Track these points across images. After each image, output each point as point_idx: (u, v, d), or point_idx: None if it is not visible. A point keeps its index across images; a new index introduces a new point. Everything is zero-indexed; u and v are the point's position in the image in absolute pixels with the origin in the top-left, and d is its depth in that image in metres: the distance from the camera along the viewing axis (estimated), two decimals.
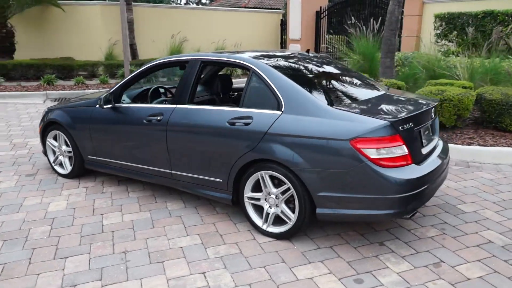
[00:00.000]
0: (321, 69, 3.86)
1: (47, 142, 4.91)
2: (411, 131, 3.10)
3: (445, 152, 3.66)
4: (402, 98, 3.79)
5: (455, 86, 6.08)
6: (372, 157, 2.93)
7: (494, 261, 3.07)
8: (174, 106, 3.84)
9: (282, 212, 3.33)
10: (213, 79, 3.89)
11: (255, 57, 3.66)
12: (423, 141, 3.34)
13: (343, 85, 3.73)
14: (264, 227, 3.42)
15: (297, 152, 3.13)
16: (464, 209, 3.93)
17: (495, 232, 3.49)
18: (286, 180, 3.21)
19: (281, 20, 18.13)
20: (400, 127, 2.99)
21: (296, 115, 3.19)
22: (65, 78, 12.56)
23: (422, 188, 3.06)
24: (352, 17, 11.78)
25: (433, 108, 3.52)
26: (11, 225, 3.69)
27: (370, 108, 3.28)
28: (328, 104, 3.17)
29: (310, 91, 3.27)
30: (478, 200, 4.13)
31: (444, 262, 3.06)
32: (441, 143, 3.82)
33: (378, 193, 2.95)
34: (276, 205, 3.35)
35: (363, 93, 3.68)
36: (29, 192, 4.42)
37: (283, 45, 17.76)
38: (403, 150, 3.01)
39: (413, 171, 3.04)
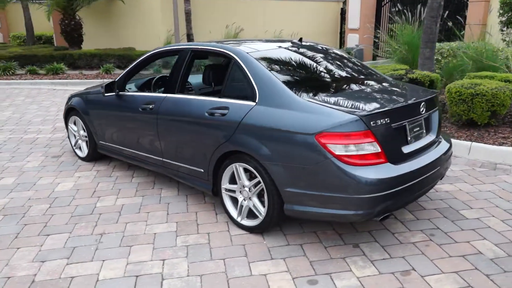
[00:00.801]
0: (309, 59, 3.68)
1: (69, 126, 5.26)
2: (388, 127, 2.87)
3: (444, 152, 3.34)
4: (394, 90, 3.51)
5: (496, 80, 5.50)
6: (337, 153, 2.76)
7: (474, 274, 2.77)
8: (165, 95, 3.91)
9: (254, 205, 3.28)
10: (206, 69, 3.89)
11: (239, 46, 3.60)
12: (409, 138, 3.08)
13: (328, 76, 3.55)
14: (239, 219, 3.39)
15: (266, 145, 3.05)
16: (466, 215, 3.57)
17: (490, 242, 3.14)
18: (257, 173, 3.14)
19: (341, 9, 17.56)
20: (372, 122, 2.78)
21: (268, 107, 3.10)
22: (124, 67, 13.29)
23: (395, 190, 2.84)
24: (398, 5, 11.05)
25: (425, 103, 3.20)
26: (17, 201, 4.02)
27: (346, 100, 3.09)
28: (300, 96, 3.03)
29: (286, 82, 3.16)
30: (488, 206, 3.73)
31: (415, 270, 2.82)
32: (443, 141, 3.49)
33: (343, 192, 2.79)
34: (250, 198, 3.29)
35: (350, 84, 3.47)
36: (47, 172, 4.77)
37: (342, 35, 17.22)
38: (374, 147, 2.80)
39: (386, 171, 2.82)
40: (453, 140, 5.01)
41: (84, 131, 5.01)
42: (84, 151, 5.11)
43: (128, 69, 4.44)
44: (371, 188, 2.76)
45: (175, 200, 3.99)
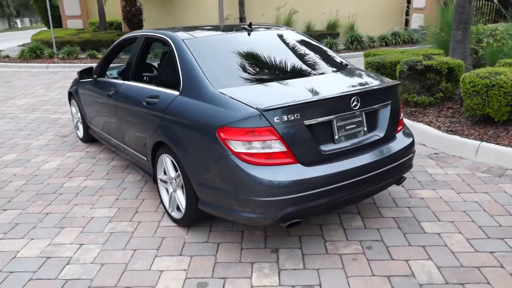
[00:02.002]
0: (251, 47, 3.39)
1: (71, 109, 5.55)
2: (298, 124, 2.56)
3: (393, 152, 2.92)
4: (333, 82, 3.12)
5: None
6: (236, 150, 2.54)
7: None
8: (122, 82, 3.92)
9: (178, 198, 3.17)
10: (161, 56, 3.82)
11: (178, 32, 3.45)
12: (336, 136, 2.73)
13: (264, 65, 3.25)
14: (169, 210, 3.31)
15: (181, 137, 2.92)
16: (426, 229, 3.10)
17: (434, 264, 2.68)
18: (177, 166, 3.03)
19: None
20: (275, 118, 2.50)
21: (187, 97, 2.96)
22: None
23: (302, 194, 2.54)
24: None
25: (359, 97, 2.76)
26: (3, 176, 4.35)
27: (264, 93, 2.82)
28: (216, 87, 2.83)
29: (209, 72, 2.96)
30: (461, 220, 3.19)
31: (320, 287, 2.52)
32: (397, 140, 3.05)
33: (242, 193, 2.57)
34: (175, 190, 3.20)
35: (285, 74, 3.17)
36: (45, 151, 5.10)
37: (408, 15, 15.87)
38: (278, 145, 2.52)
39: (291, 172, 2.54)
40: (459, 139, 4.39)
41: (78, 113, 5.25)
42: (81, 133, 5.36)
43: (104, 55, 4.52)
44: (271, 191, 2.50)
45: (133, 185, 4.02)
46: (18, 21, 55.01)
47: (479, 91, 4.37)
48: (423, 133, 4.83)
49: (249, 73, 3.10)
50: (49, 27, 24.81)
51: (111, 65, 4.58)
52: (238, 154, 2.53)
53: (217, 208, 2.77)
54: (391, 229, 3.11)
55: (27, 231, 3.24)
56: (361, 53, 9.33)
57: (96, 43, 14.15)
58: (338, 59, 3.57)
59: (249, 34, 3.54)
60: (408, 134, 3.21)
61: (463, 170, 4.09)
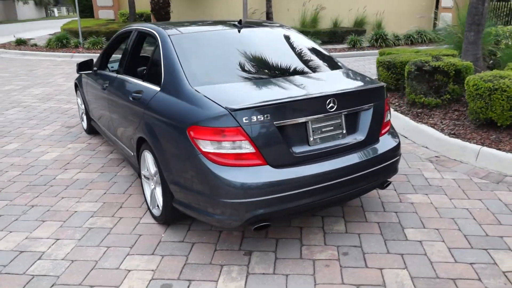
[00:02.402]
0: (238, 44, 3.32)
1: (77, 100, 5.61)
2: (268, 125, 2.47)
3: (373, 156, 2.80)
4: (315, 82, 2.99)
5: None
6: (204, 150, 2.48)
7: None
8: (116, 75, 3.91)
9: (156, 195, 3.15)
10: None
11: (167, 28, 3.39)
12: (311, 138, 2.63)
13: (246, 63, 3.14)
14: (151, 207, 3.29)
15: (158, 134, 2.88)
16: (409, 236, 2.97)
17: (408, 274, 2.56)
18: (155, 162, 3.00)
19: None
20: (244, 118, 2.43)
21: (165, 94, 2.91)
22: None
23: (271, 197, 2.46)
24: None
25: (335, 98, 2.65)
26: (1, 166, 4.44)
27: (238, 92, 2.74)
28: (192, 85, 2.77)
29: (189, 69, 2.90)
30: (447, 228, 3.05)
31: None
32: (380, 144, 2.92)
33: (209, 194, 2.51)
34: (155, 187, 3.17)
35: (267, 73, 3.07)
36: (48, 142, 5.18)
37: (436, 14, 15.34)
38: (246, 146, 2.45)
39: (258, 174, 2.46)
40: (460, 143, 4.20)
41: (83, 104, 5.30)
42: (85, 124, 5.42)
43: (104, 48, 4.53)
44: (238, 193, 2.43)
45: (124, 180, 4.02)
46: (55, 10, 56.32)
47: (482, 94, 4.15)
48: (426, 135, 4.64)
49: (230, 71, 3.02)
50: (81, 17, 25.30)
51: (118, 58, 4.60)
52: (206, 154, 2.48)
53: (189, 207, 2.73)
54: (373, 235, 2.99)
55: (8, 224, 3.28)
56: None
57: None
58: (328, 59, 3.44)
59: (239, 31, 3.46)
60: (394, 137, 3.08)
61: (460, 175, 3.90)
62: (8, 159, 4.63)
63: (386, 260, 2.70)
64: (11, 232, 3.17)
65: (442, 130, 4.59)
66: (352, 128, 2.82)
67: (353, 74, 3.25)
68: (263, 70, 3.11)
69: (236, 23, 3.57)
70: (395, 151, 2.98)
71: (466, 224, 3.09)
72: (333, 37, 13.84)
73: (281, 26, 3.85)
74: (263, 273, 2.62)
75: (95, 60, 4.70)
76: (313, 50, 3.51)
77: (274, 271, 2.63)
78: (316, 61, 3.35)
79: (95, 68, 4.51)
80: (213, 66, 3.04)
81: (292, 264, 2.70)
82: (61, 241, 3.03)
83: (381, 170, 2.90)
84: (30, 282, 2.59)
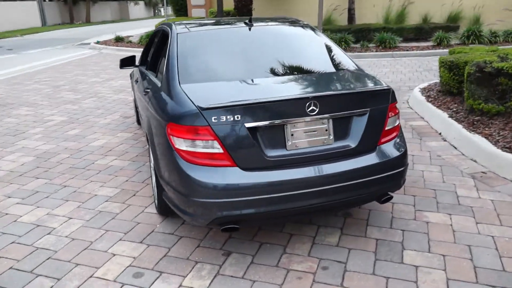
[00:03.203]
0: (244, 43, 3.29)
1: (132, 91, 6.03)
2: (239, 126, 2.42)
3: (363, 167, 2.59)
4: (308, 82, 2.84)
5: None
6: (177, 147, 2.52)
7: None
8: (144, 70, 4.12)
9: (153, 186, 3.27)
10: None
11: (180, 25, 3.47)
12: (288, 142, 2.51)
13: (246, 62, 3.10)
14: (155, 198, 3.42)
15: (152, 128, 3.00)
16: (406, 259, 2.68)
17: None
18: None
19: None
20: (213, 118, 2.40)
21: (162, 90, 3.00)
22: None
23: (239, 199, 2.41)
24: None
25: (317, 101, 2.49)
26: (57, 149, 4.96)
27: (219, 90, 2.72)
28: (181, 83, 2.80)
29: (182, 67, 2.95)
30: (457, 256, 2.69)
31: None
32: (376, 153, 2.68)
33: (180, 191, 2.55)
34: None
35: (262, 72, 2.97)
36: (104, 130, 5.65)
37: None
38: (215, 146, 2.43)
39: (226, 176, 2.42)
40: None
41: (133, 96, 5.68)
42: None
43: (145, 45, 4.80)
44: (205, 192, 2.43)
45: (148, 170, 4.23)
46: (162, 9, 60.82)
47: None
48: (476, 147, 4.13)
49: (224, 69, 3.01)
50: (177, 15, 27.03)
51: None
52: (179, 152, 2.51)
53: (171, 202, 2.78)
54: (364, 252, 2.76)
55: (39, 200, 3.66)
56: None
57: None
58: (337, 59, 3.23)
59: (249, 29, 3.42)
60: (398, 147, 2.79)
61: (503, 196, 3.40)
62: (65, 143, 5.15)
63: (366, 282, 2.48)
64: (38, 207, 3.53)
65: (496, 143, 4.04)
66: (341, 134, 2.63)
67: (357, 76, 3.02)
68: (258, 69, 3.03)
69: (247, 21, 3.53)
70: (396, 163, 2.71)
71: (482, 254, 2.69)
72: (419, 33, 12.88)
73: (297, 23, 3.71)
74: (232, 276, 2.58)
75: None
76: (323, 49, 3.34)
77: (243, 276, 2.57)
78: (320, 60, 3.18)
79: (137, 64, 4.79)
80: (209, 64, 3.05)
81: (264, 271, 2.61)
82: (72, 220, 3.30)
83: (376, 182, 2.66)
84: (32, 254, 2.87)
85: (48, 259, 2.80)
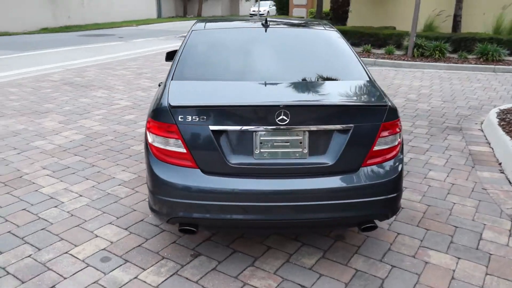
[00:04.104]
0: (252, 43, 3.20)
1: None
2: (203, 127, 2.35)
3: (339, 188, 2.37)
4: (298, 89, 2.66)
5: None
6: (150, 142, 2.54)
7: None
8: None
9: None
10: None
11: (204, 21, 3.48)
12: (256, 150, 2.37)
13: (244, 62, 3.03)
14: None
15: None
16: None
17: None
18: None
19: None
20: (180, 117, 2.37)
21: (161, 85, 3.04)
22: (378, 46, 13.04)
23: (195, 202, 2.37)
24: None
25: (285, 111, 2.30)
26: (106, 131, 5.33)
27: (202, 89, 2.67)
28: (177, 79, 2.81)
29: (181, 63, 2.96)
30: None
31: None
32: (353, 176, 2.41)
33: (148, 186, 2.58)
34: None
35: (257, 74, 2.87)
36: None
37: None
38: (178, 146, 2.40)
39: (185, 177, 2.39)
40: None
41: None
42: None
43: None
44: (162, 189, 2.43)
45: None
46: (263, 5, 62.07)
47: None
48: None
49: (219, 68, 2.96)
50: (279, 14, 27.31)
51: None
52: (151, 147, 2.52)
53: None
54: (335, 282, 2.51)
55: (66, 175, 3.97)
56: None
57: None
58: (348, 68, 2.97)
59: (265, 31, 3.30)
60: (389, 172, 2.46)
61: None
62: (116, 126, 5.51)
63: None
64: (61, 181, 3.84)
65: None
66: (318, 149, 2.40)
67: (357, 88, 2.73)
68: (254, 72, 2.91)
69: (264, 21, 3.40)
70: (383, 189, 2.41)
71: None
72: None
73: (321, 26, 3.49)
74: (187, 278, 2.53)
75: None
76: (333, 56, 3.10)
77: (198, 280, 2.51)
78: (324, 68, 2.96)
79: None
80: (208, 62, 3.01)
81: (221, 280, 2.52)
82: (81, 198, 3.53)
83: (354, 207, 2.39)
84: (32, 222, 3.13)
85: (41, 229, 3.03)
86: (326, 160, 2.40)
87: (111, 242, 2.89)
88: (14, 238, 2.91)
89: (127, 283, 2.49)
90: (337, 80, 2.84)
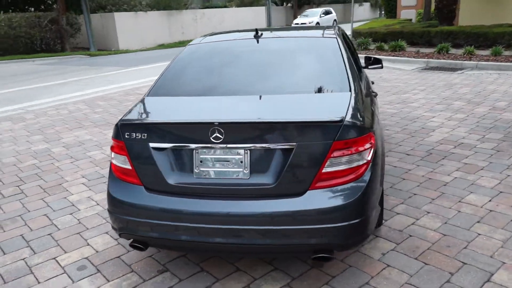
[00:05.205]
0: (239, 54, 3.12)
1: None
2: (144, 145, 2.34)
3: (278, 213, 2.16)
4: (265, 105, 2.52)
5: None
6: (111, 157, 2.62)
7: None
8: None
9: None
10: None
11: (207, 36, 3.52)
12: (196, 169, 2.29)
13: (222, 77, 2.98)
14: None
15: None
16: None
17: None
18: None
19: None
20: (126, 134, 2.40)
21: None
22: (484, 47, 11.70)
23: (137, 219, 2.37)
24: None
25: (219, 129, 2.20)
26: None
27: (167, 105, 2.69)
28: (152, 95, 2.87)
29: (162, 79, 3.01)
30: None
31: None
32: (299, 201, 2.17)
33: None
34: None
35: (232, 89, 2.77)
36: None
37: None
38: (125, 162, 2.43)
39: (129, 193, 2.42)
40: None
41: None
42: None
43: None
44: (112, 205, 2.47)
45: None
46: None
47: None
48: None
49: (194, 83, 2.92)
50: (388, 17, 26.00)
51: None
52: (111, 163, 2.59)
53: None
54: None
55: (97, 184, 4.29)
56: None
57: (396, 35, 13.97)
58: (330, 83, 2.69)
59: (257, 42, 3.18)
60: (346, 197, 2.15)
61: None
62: None
63: None
64: (90, 190, 4.15)
65: None
66: (260, 169, 2.21)
67: (326, 102, 2.47)
68: (223, 87, 2.82)
69: (256, 34, 3.26)
70: (333, 216, 2.13)
71: None
72: None
73: (319, 33, 3.25)
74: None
75: None
76: (321, 70, 2.82)
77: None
78: (304, 81, 2.76)
79: None
80: (187, 77, 2.99)
81: None
82: (96, 206, 3.77)
83: (298, 234, 2.15)
84: (44, 227, 3.41)
85: (47, 235, 3.32)
86: (268, 181, 2.20)
87: (96, 252, 3.03)
88: (21, 241, 3.24)
89: None
90: (308, 93, 2.60)
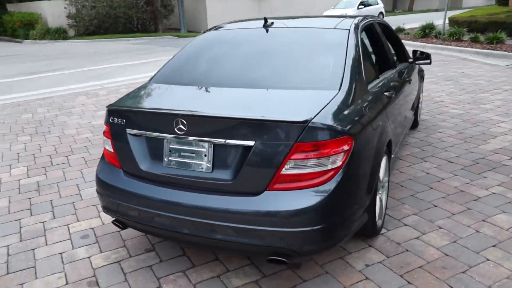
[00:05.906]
0: (249, 44, 3.07)
1: None
2: (122, 130, 2.46)
3: (239, 211, 2.15)
4: (253, 97, 2.46)
5: None
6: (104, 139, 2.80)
7: None
8: None
9: None
10: None
11: (225, 23, 3.54)
12: (165, 158, 2.36)
13: (224, 66, 2.93)
14: None
15: None
16: None
17: None
18: None
19: None
20: (111, 118, 2.54)
21: None
22: None
23: (113, 201, 2.53)
24: None
25: (182, 120, 2.21)
26: None
27: (160, 93, 2.76)
28: (157, 81, 2.97)
29: (169, 65, 3.10)
30: None
31: None
32: (255, 200, 2.13)
33: None
34: None
35: (229, 80, 2.74)
36: None
37: None
38: (110, 146, 2.58)
39: (109, 175, 2.58)
40: None
41: None
42: None
43: None
44: (98, 186, 2.64)
45: None
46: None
47: None
48: None
49: (195, 72, 2.95)
50: (498, 4, 23.42)
51: None
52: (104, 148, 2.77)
53: None
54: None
55: None
56: None
57: (499, 25, 12.57)
58: (324, 77, 2.55)
59: (267, 31, 3.11)
60: (306, 201, 2.06)
61: None
62: None
63: None
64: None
65: None
66: (222, 165, 2.19)
67: (300, 100, 2.35)
68: (216, 77, 2.82)
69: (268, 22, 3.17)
70: (288, 220, 2.05)
71: None
72: None
73: (333, 25, 3.05)
74: (121, 269, 2.69)
75: None
76: (321, 63, 2.67)
77: (126, 273, 2.65)
78: (294, 75, 2.64)
79: None
80: (191, 66, 3.02)
81: (145, 278, 2.59)
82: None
83: (251, 234, 2.12)
84: (72, 195, 3.75)
85: (71, 203, 3.64)
86: (227, 177, 2.18)
87: (103, 224, 3.27)
88: (48, 206, 3.61)
89: (77, 260, 2.82)
90: (293, 89, 2.49)
